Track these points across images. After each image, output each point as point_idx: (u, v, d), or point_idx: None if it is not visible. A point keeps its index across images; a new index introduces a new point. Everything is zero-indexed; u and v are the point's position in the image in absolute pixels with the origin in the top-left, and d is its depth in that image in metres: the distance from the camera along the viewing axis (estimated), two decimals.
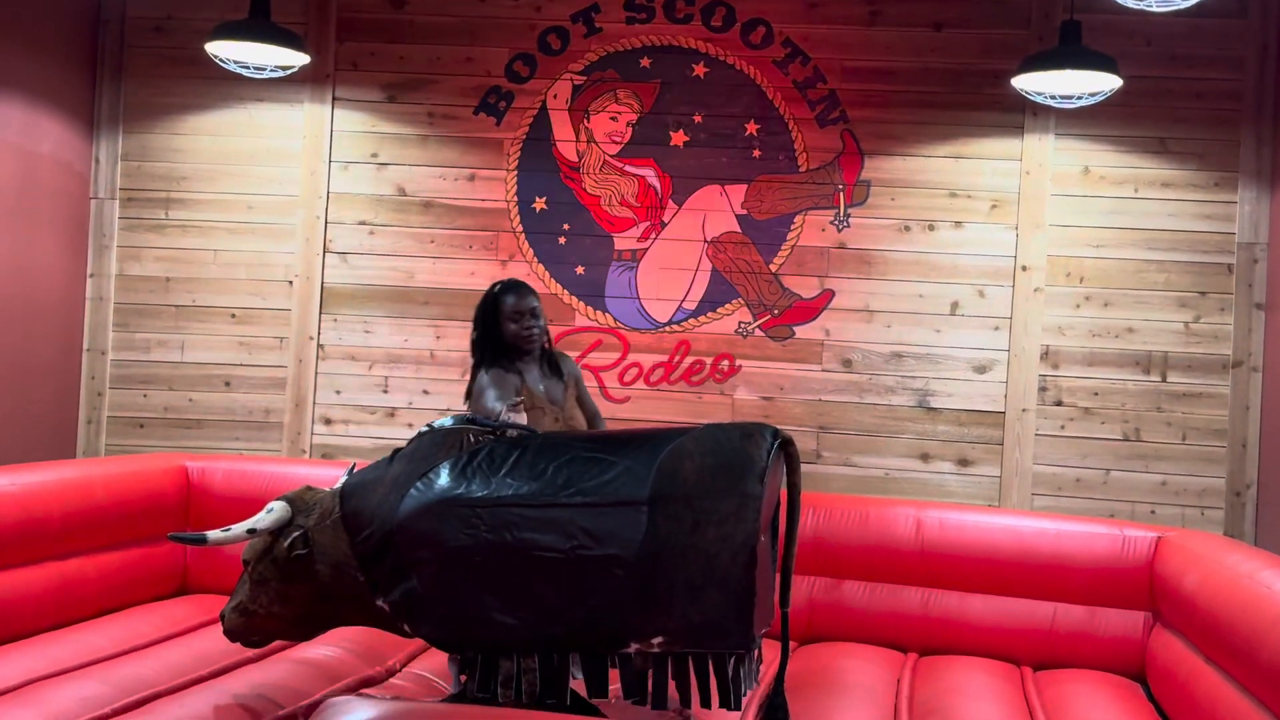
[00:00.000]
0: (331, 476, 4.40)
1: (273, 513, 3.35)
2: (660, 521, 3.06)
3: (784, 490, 3.31)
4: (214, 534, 3.39)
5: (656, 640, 3.05)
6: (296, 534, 3.29)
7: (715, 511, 3.04)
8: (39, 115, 5.16)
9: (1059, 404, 5.18)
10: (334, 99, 5.51)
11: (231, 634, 3.43)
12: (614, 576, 3.06)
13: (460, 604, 3.17)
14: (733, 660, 3.06)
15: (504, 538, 3.13)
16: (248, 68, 4.86)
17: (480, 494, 3.19)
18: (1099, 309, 5.18)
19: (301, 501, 3.40)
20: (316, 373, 5.50)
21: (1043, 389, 5.18)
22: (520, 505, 3.15)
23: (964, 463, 5.23)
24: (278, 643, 3.80)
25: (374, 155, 5.51)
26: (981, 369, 5.22)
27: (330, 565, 3.29)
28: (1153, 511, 5.11)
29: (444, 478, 3.27)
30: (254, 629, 3.41)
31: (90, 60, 5.55)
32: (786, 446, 3.25)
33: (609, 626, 3.07)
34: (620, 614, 3.05)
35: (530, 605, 3.13)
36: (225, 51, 4.79)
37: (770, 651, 3.38)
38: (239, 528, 3.36)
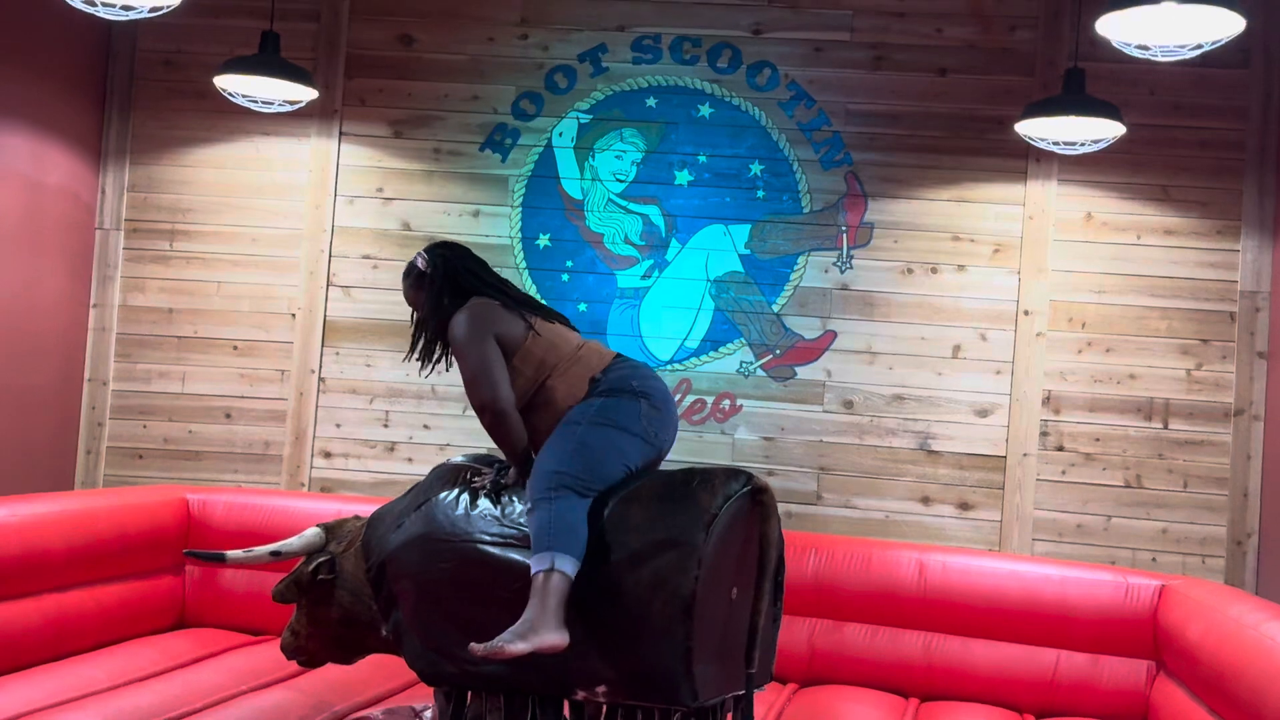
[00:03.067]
0: (331, 510, 4.43)
1: (303, 538, 3.44)
2: (602, 567, 3.03)
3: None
4: (234, 553, 3.45)
5: (600, 689, 3.03)
6: (323, 559, 3.39)
7: (654, 559, 2.98)
8: (47, 146, 5.18)
9: (1060, 449, 5.18)
10: (341, 134, 5.54)
11: (284, 651, 3.56)
12: None
13: (433, 636, 3.23)
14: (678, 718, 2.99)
15: (466, 574, 3.18)
16: (256, 102, 4.89)
17: (450, 530, 3.24)
18: (1101, 355, 5.19)
19: (340, 529, 3.49)
20: (317, 406, 5.50)
21: (1044, 434, 5.19)
22: (483, 543, 3.18)
23: (965, 506, 5.22)
24: (281, 672, 3.83)
25: (379, 190, 5.53)
26: (983, 413, 5.23)
27: (350, 592, 3.39)
28: (1154, 559, 5.10)
29: (432, 511, 3.31)
30: (299, 649, 3.53)
31: (99, 92, 5.57)
32: (758, 494, 3.13)
33: (556, 671, 3.05)
34: (565, 659, 3.02)
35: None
36: (234, 86, 4.81)
37: (763, 707, 3.30)
38: (262, 549, 3.44)
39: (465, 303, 3.40)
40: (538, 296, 5.35)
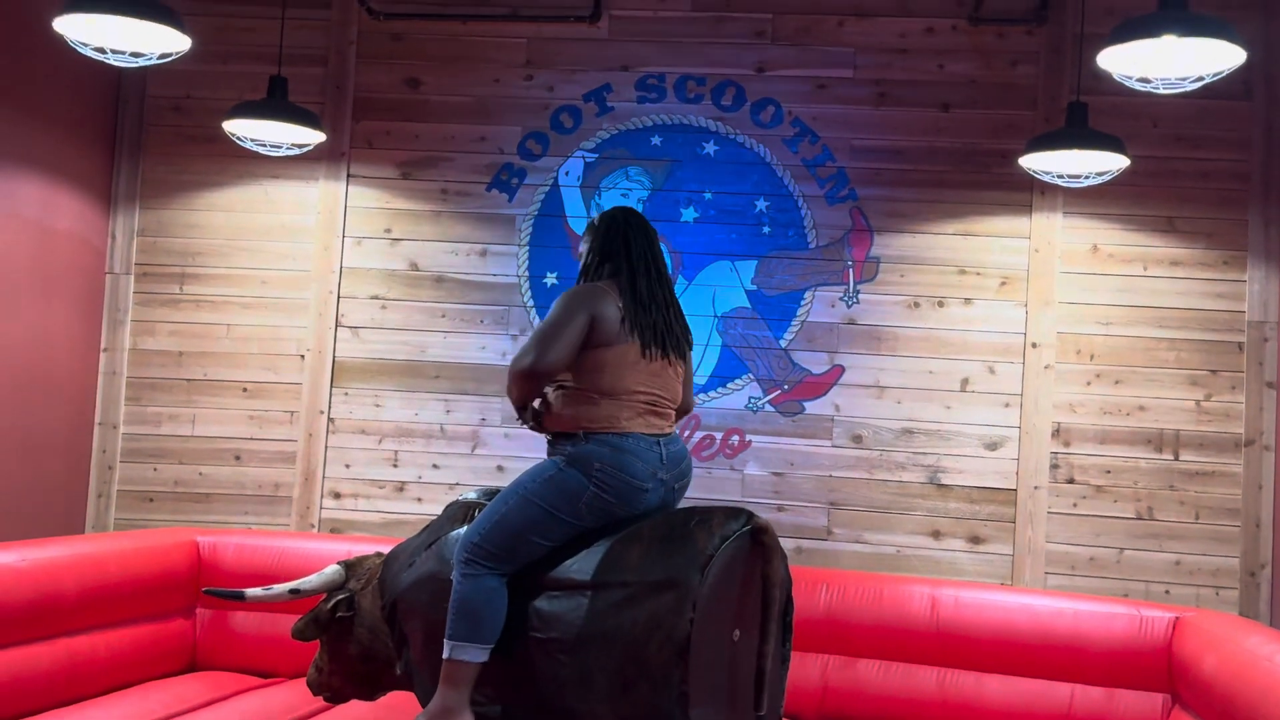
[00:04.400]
0: (341, 551, 4.43)
1: (323, 575, 3.46)
2: (598, 608, 3.01)
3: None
4: (253, 591, 3.47)
5: None
6: (342, 597, 3.40)
7: (649, 601, 2.95)
8: (57, 191, 5.22)
9: (1071, 481, 5.17)
10: (349, 176, 5.57)
11: (310, 687, 3.58)
12: (557, 661, 3.04)
13: (439, 675, 3.20)
14: None
15: None
16: (264, 146, 4.93)
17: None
18: (1110, 386, 5.19)
19: (359, 566, 3.51)
20: (326, 446, 5.50)
21: (1054, 466, 5.18)
22: None
23: (976, 540, 5.21)
24: (294, 714, 3.83)
25: (387, 231, 5.56)
26: (993, 446, 5.22)
27: (368, 629, 3.40)
28: (1167, 591, 5.08)
29: (442, 550, 3.32)
30: (323, 685, 3.55)
31: (109, 138, 5.62)
32: (758, 534, 3.09)
33: (556, 713, 3.04)
34: (563, 701, 3.01)
35: (490, 683, 3.15)
36: (243, 130, 4.85)
37: None
38: (281, 587, 3.46)
39: (606, 272, 3.42)
40: None
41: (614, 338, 3.30)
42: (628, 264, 3.41)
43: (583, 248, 3.54)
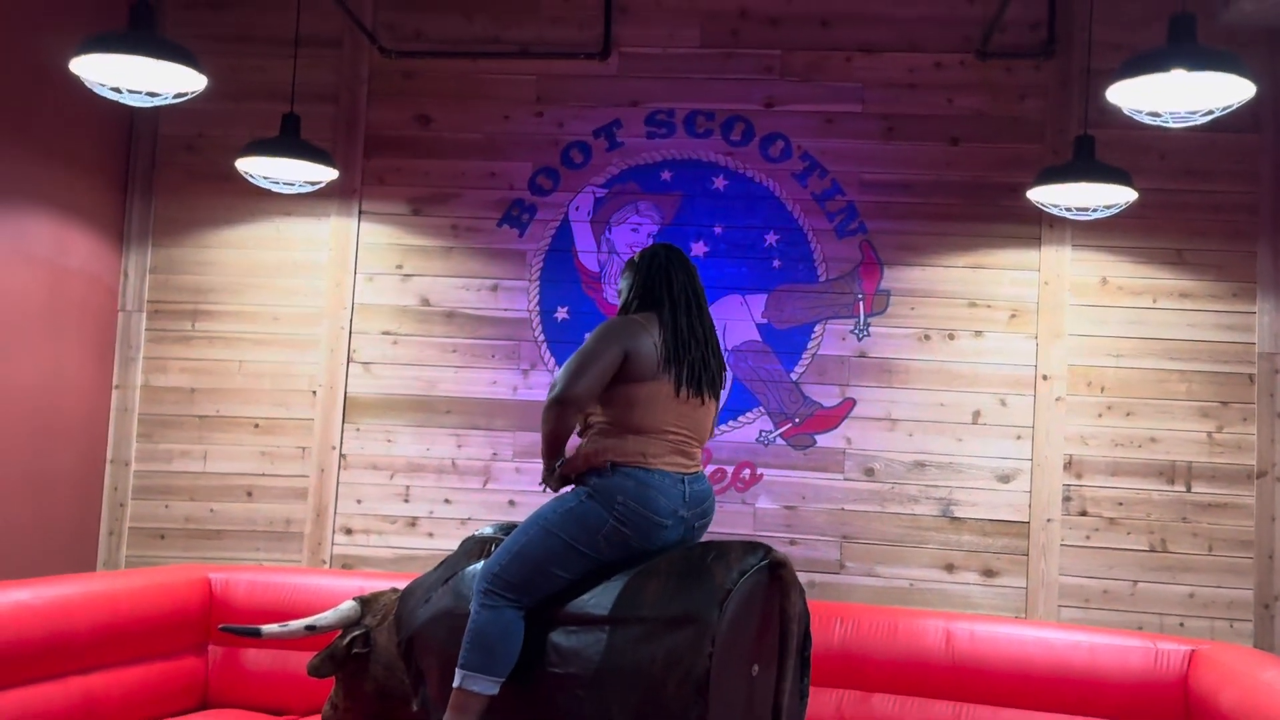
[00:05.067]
0: (353, 587, 4.42)
1: (339, 611, 3.45)
2: (617, 644, 3.00)
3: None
4: (269, 628, 3.47)
5: None
6: (358, 633, 3.39)
7: (668, 637, 2.94)
8: (69, 230, 5.25)
9: (1084, 514, 5.16)
10: (360, 212, 5.60)
11: None
12: (575, 697, 3.03)
13: None
14: None
15: None
16: (277, 183, 4.95)
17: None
18: (1121, 418, 5.18)
19: (375, 601, 3.50)
20: (338, 482, 5.51)
21: (1067, 499, 5.17)
22: None
23: (989, 573, 5.19)
24: None
25: (399, 266, 5.58)
26: (1005, 478, 5.21)
27: (384, 665, 3.40)
28: (1181, 624, 5.05)
29: (458, 586, 3.31)
30: None
31: (122, 176, 5.66)
32: (776, 568, 3.09)
33: None
34: None
35: (505, 716, 3.14)
36: (255, 168, 4.88)
37: None
38: (297, 624, 3.45)
39: (646, 307, 3.42)
40: (558, 368, 5.34)
41: (649, 373, 3.29)
42: (669, 298, 3.40)
43: (622, 284, 3.54)
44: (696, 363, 3.36)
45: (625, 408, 3.30)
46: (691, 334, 3.38)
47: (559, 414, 3.27)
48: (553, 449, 3.34)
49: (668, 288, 3.43)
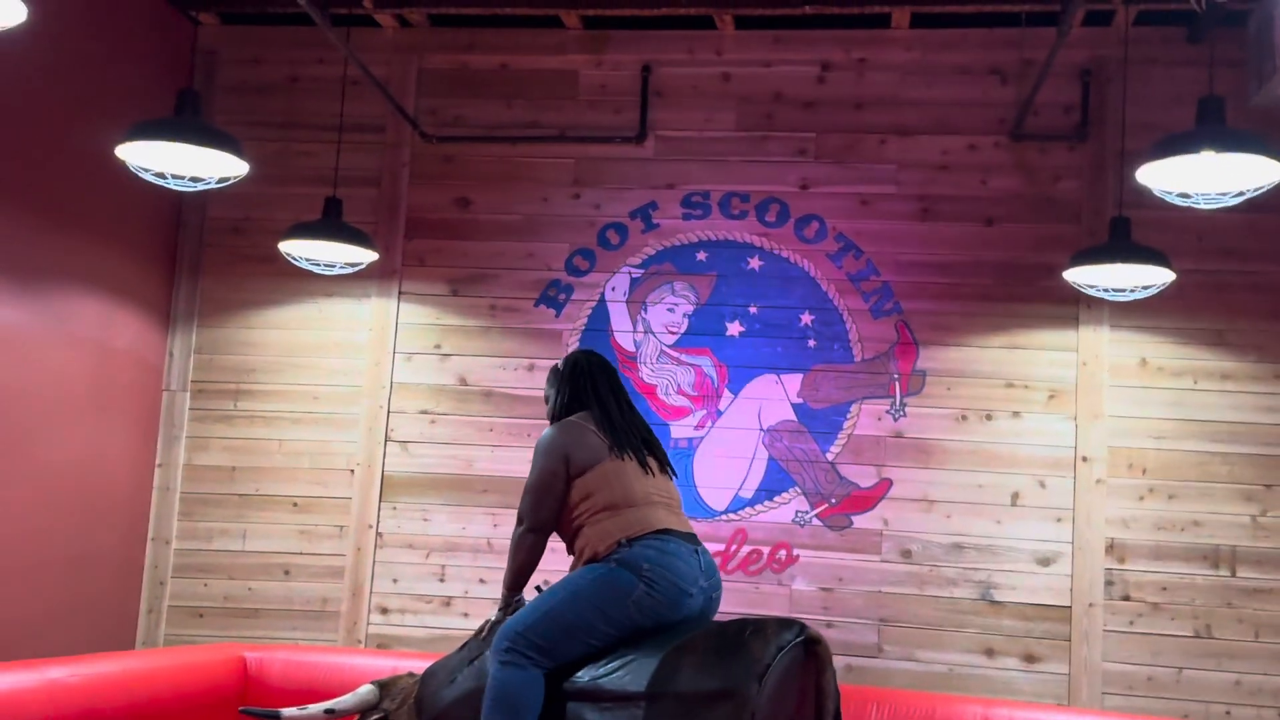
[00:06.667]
0: (387, 667, 4.42)
1: (358, 695, 3.47)
2: (656, 718, 2.99)
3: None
4: (289, 711, 3.47)
5: None
6: (376, 717, 3.39)
7: (706, 712, 2.93)
8: (117, 311, 5.36)
9: (1127, 599, 5.07)
10: (400, 293, 5.68)
11: None
12: None
13: None
14: None
15: None
16: (319, 265, 5.05)
17: None
18: (1163, 501, 5.11)
19: (393, 685, 3.51)
20: (374, 561, 5.53)
21: (1109, 583, 5.08)
22: None
23: (1030, 659, 5.10)
24: None
25: (437, 346, 5.64)
26: (1045, 561, 5.14)
27: None
28: (1228, 713, 4.93)
29: (483, 667, 3.31)
30: None
31: (169, 258, 5.78)
32: (811, 645, 3.09)
33: None
34: None
35: None
36: (298, 250, 4.98)
37: None
38: (316, 707, 3.46)
39: (575, 409, 3.61)
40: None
41: (601, 455, 3.47)
42: (597, 399, 3.62)
43: (549, 391, 3.75)
44: (640, 446, 3.57)
45: (600, 489, 3.44)
46: (627, 423, 3.60)
47: (534, 542, 3.51)
48: (519, 580, 3.54)
49: (594, 390, 3.65)
